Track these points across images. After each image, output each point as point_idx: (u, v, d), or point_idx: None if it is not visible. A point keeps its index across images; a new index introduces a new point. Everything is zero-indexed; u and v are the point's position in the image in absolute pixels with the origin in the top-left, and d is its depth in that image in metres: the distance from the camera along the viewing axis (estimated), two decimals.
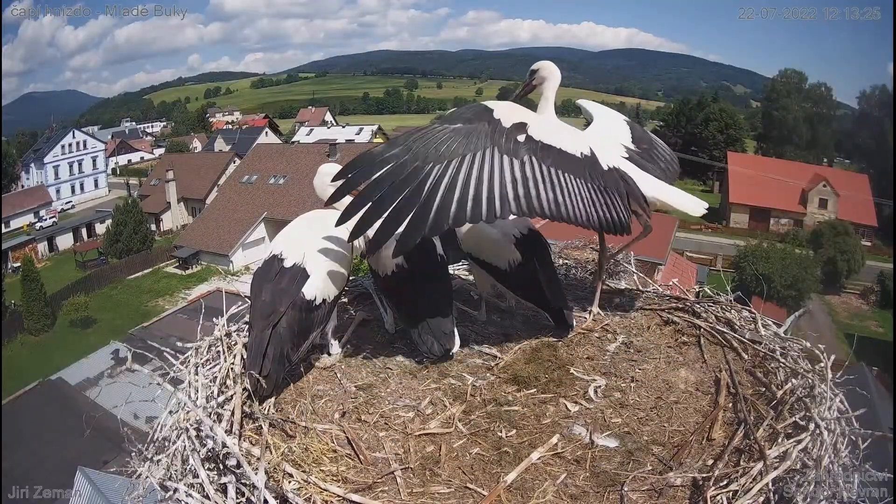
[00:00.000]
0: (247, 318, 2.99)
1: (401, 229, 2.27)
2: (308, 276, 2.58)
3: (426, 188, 2.26)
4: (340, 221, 2.40)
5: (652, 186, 2.97)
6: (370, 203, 2.28)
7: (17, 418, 13.03)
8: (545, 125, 2.63)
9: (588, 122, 3.48)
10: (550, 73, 3.16)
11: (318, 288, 2.61)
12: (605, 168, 2.75)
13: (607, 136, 3.16)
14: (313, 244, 2.68)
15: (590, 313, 3.23)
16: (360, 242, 2.91)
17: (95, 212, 42.80)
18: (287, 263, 2.60)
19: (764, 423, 2.32)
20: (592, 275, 3.90)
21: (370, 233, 2.59)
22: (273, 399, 2.52)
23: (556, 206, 2.42)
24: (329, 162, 3.04)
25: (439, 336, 2.77)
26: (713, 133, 47.82)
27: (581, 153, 2.64)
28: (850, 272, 30.38)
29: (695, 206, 3.03)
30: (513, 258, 3.02)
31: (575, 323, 3.11)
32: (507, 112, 2.47)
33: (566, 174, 2.49)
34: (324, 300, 2.65)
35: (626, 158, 3.09)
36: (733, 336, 3.00)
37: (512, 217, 2.85)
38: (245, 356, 2.58)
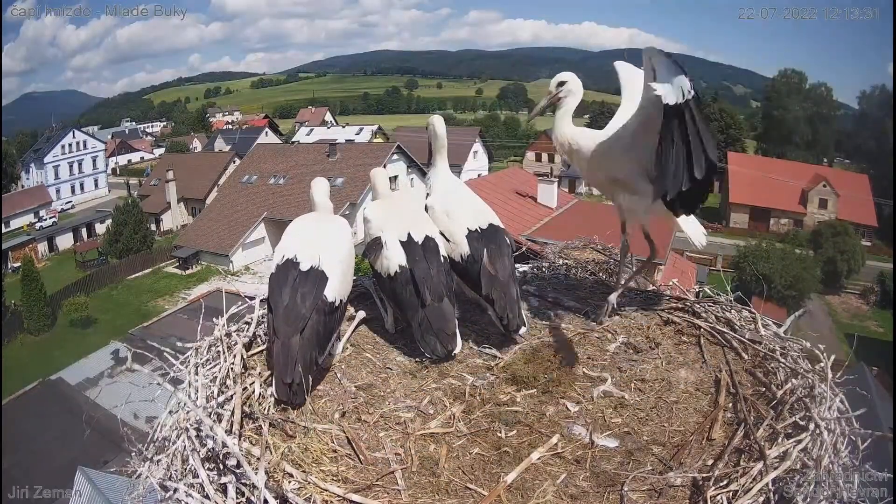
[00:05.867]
0: (247, 319, 3.00)
1: None
2: (327, 279, 2.59)
3: None
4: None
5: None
6: None
7: (17, 418, 13.00)
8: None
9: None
10: (577, 88, 3.04)
11: (336, 290, 2.62)
12: None
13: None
14: (324, 246, 2.70)
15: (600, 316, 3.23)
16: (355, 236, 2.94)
17: (95, 212, 42.80)
18: (304, 267, 2.60)
19: (764, 423, 2.32)
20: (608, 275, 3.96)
21: (389, 232, 2.89)
22: (273, 399, 2.52)
23: None
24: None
25: (441, 336, 2.77)
26: (713, 133, 47.79)
27: None
28: (850, 272, 30.35)
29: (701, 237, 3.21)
30: (463, 252, 2.99)
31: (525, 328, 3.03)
32: None
33: None
34: (341, 301, 2.67)
35: None
36: (733, 336, 3.00)
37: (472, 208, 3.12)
38: (273, 366, 2.51)
